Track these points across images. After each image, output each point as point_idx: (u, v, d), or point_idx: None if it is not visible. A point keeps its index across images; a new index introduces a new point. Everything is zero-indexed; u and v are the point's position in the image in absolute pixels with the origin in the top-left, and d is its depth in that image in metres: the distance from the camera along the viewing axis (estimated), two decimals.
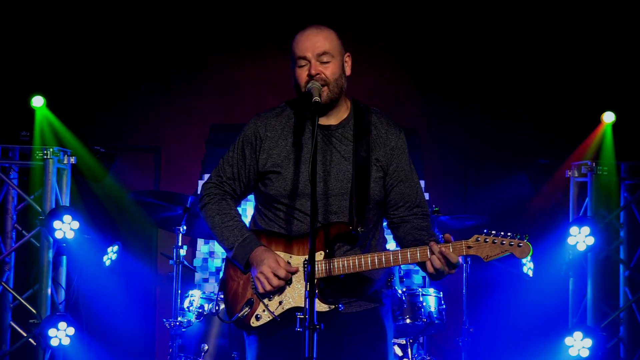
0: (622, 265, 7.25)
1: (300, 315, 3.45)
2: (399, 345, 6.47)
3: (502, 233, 3.70)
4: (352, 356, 3.85)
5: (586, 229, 6.97)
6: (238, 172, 3.94)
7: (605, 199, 7.18)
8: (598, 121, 7.22)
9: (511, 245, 3.69)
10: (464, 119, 7.92)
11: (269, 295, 3.79)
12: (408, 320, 6.25)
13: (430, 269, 3.69)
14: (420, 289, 6.38)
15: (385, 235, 4.08)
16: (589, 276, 7.16)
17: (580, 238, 6.99)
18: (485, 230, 3.72)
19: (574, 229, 7.01)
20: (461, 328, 6.58)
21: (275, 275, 3.73)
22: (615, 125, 7.18)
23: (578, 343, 6.94)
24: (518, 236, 3.69)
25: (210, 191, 3.97)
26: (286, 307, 3.78)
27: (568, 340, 6.97)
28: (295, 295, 3.77)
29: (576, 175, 7.26)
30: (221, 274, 4.01)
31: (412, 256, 3.71)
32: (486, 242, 3.70)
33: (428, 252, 3.70)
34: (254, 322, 3.80)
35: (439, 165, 7.99)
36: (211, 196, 3.96)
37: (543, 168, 7.64)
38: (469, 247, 3.70)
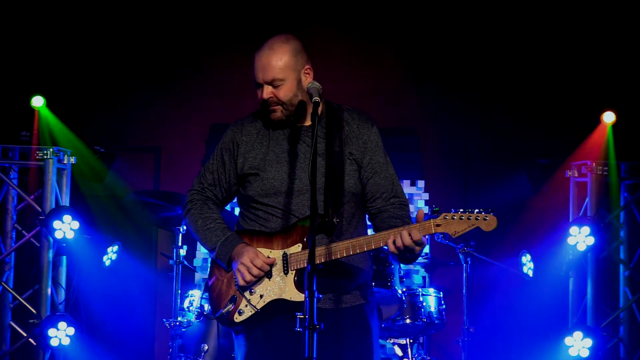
0: (622, 265, 7.25)
1: (300, 315, 3.48)
2: (399, 345, 6.47)
3: (469, 209, 3.82)
4: (335, 355, 3.91)
5: (586, 229, 6.96)
6: (218, 178, 4.08)
7: (605, 199, 7.18)
8: (598, 121, 7.21)
9: (477, 219, 3.81)
10: (463, 119, 7.92)
11: (251, 289, 3.89)
12: (408, 320, 6.24)
13: (391, 247, 3.77)
14: (420, 289, 6.38)
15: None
16: (589, 276, 7.15)
17: (580, 238, 6.99)
18: (452, 209, 3.83)
19: (574, 229, 7.01)
20: (461, 328, 6.58)
21: (254, 264, 3.84)
22: (615, 125, 7.18)
23: (578, 343, 6.94)
24: (483, 211, 3.82)
25: (193, 197, 4.11)
26: (267, 300, 3.88)
27: (568, 340, 6.97)
28: (275, 288, 3.88)
29: (576, 175, 7.25)
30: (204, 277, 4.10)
31: (384, 239, 3.80)
32: (453, 219, 3.81)
33: (397, 233, 3.80)
34: (237, 318, 3.90)
35: (439, 165, 7.99)
36: (194, 202, 4.10)
37: (543, 168, 7.64)
38: (438, 225, 3.82)
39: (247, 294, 3.90)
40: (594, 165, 7.11)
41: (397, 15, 7.93)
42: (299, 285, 3.84)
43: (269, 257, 3.89)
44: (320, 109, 3.95)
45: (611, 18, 7.55)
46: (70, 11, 7.64)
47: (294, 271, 3.86)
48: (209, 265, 4.10)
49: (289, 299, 3.84)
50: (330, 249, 3.84)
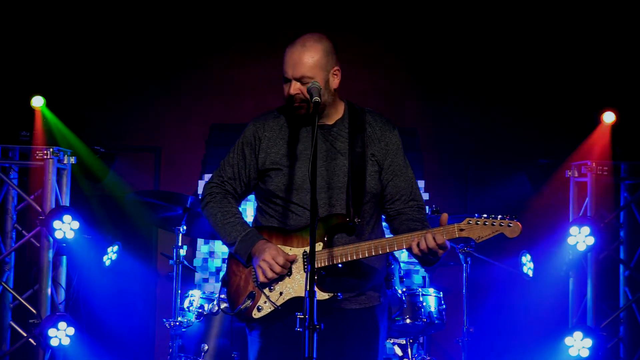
0: (622, 265, 7.25)
1: (300, 315, 3.50)
2: (399, 345, 6.47)
3: (493, 215, 3.87)
4: (344, 354, 3.94)
5: (586, 229, 6.96)
6: (238, 172, 4.10)
7: (605, 199, 7.18)
8: (598, 121, 7.21)
9: (501, 225, 3.86)
10: (463, 119, 7.92)
11: (270, 286, 3.93)
12: (408, 320, 6.24)
13: (415, 249, 3.81)
14: (420, 289, 6.38)
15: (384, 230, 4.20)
16: (589, 276, 7.15)
17: (580, 238, 6.99)
18: (476, 215, 3.86)
19: (574, 229, 7.01)
20: (461, 328, 6.57)
21: (277, 262, 3.87)
22: (615, 125, 7.18)
23: (578, 343, 6.94)
24: (507, 217, 3.86)
25: (212, 190, 4.13)
26: (287, 298, 3.92)
27: (568, 340, 6.97)
28: (295, 286, 3.92)
29: (576, 175, 7.25)
30: (222, 272, 4.11)
31: (407, 241, 3.85)
32: (477, 224, 3.85)
33: (416, 236, 3.83)
34: (255, 314, 3.93)
35: (439, 165, 7.99)
36: (213, 195, 4.12)
37: (543, 168, 7.64)
38: (461, 230, 3.85)
39: (266, 290, 3.93)
40: (594, 165, 7.11)
41: (397, 15, 7.93)
42: (320, 283, 3.86)
43: (288, 253, 3.94)
44: (343, 109, 4.06)
45: (611, 18, 7.55)
46: (70, 11, 7.64)
47: (305, 276, 3.84)
48: (225, 261, 4.14)
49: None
50: (353, 249, 3.88)
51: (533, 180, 7.76)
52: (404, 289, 6.28)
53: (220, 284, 4.16)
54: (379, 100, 7.77)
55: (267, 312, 3.92)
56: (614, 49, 7.56)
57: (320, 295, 3.81)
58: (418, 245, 3.80)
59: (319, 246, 3.89)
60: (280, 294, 3.92)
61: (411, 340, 6.44)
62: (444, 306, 6.40)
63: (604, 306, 7.16)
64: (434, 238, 3.79)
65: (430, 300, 6.33)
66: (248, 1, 7.93)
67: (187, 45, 7.92)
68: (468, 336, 6.53)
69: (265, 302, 3.92)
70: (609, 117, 7.17)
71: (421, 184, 7.90)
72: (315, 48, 3.98)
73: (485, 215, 3.86)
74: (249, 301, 3.94)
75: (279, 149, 4.03)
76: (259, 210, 4.14)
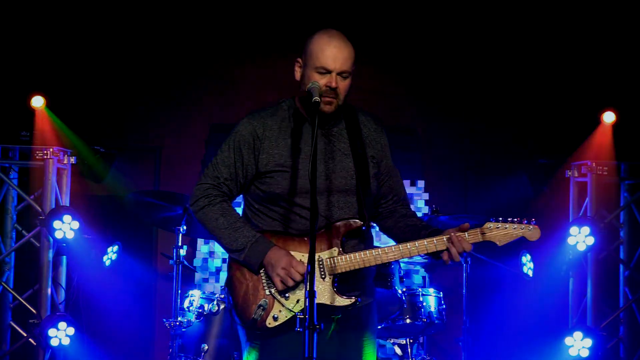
0: (622, 265, 7.25)
1: (300, 315, 3.47)
2: (399, 345, 6.47)
3: (510, 219, 3.92)
4: (349, 351, 3.93)
5: (586, 229, 6.96)
6: (235, 173, 3.94)
7: (605, 199, 7.18)
8: (598, 121, 7.21)
9: (522, 229, 3.92)
10: (463, 119, 7.92)
11: (285, 294, 3.82)
12: (408, 320, 6.24)
13: (446, 256, 3.86)
14: (420, 289, 6.38)
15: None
16: (589, 276, 7.16)
17: (580, 238, 6.99)
18: (492, 219, 3.92)
19: (574, 229, 7.01)
20: (461, 328, 6.58)
21: (297, 270, 3.78)
22: (615, 125, 7.18)
23: (578, 343, 6.94)
24: (526, 220, 3.93)
25: (208, 192, 3.94)
26: (304, 305, 3.79)
27: (568, 340, 6.97)
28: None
29: (576, 175, 7.26)
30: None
31: (430, 245, 3.86)
32: (498, 228, 3.90)
33: (445, 240, 3.85)
34: (270, 323, 3.82)
35: (439, 165, 7.99)
36: (210, 197, 3.93)
37: (543, 168, 7.64)
38: (483, 234, 3.90)
39: (281, 299, 3.81)
40: (594, 165, 7.11)
41: (397, 15, 7.93)
42: (340, 289, 3.81)
43: (301, 260, 3.82)
44: (326, 109, 3.91)
45: (611, 18, 7.55)
46: (70, 11, 7.63)
47: (332, 276, 3.81)
48: (228, 267, 3.94)
49: (329, 303, 3.79)
50: (377, 254, 3.84)
51: (533, 180, 7.75)
52: (404, 289, 6.27)
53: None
54: (379, 100, 7.77)
55: (283, 321, 3.81)
56: (614, 49, 7.56)
57: (342, 301, 3.79)
58: (450, 255, 3.85)
59: (334, 252, 3.83)
60: (297, 301, 3.81)
61: (411, 340, 6.44)
62: (444, 306, 6.40)
63: (604, 306, 7.17)
64: (461, 243, 3.85)
65: (430, 300, 6.33)
66: (247, 2, 7.93)
67: (187, 45, 7.92)
68: (468, 336, 6.53)
69: (280, 311, 3.81)
70: (609, 117, 7.17)
71: (421, 184, 7.90)
72: (351, 47, 3.92)
73: (501, 219, 3.92)
74: (261, 310, 3.80)
75: (281, 150, 3.89)
76: (251, 212, 3.98)
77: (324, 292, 3.80)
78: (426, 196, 7.88)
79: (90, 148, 7.48)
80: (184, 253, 6.55)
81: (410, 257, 4.00)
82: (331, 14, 7.71)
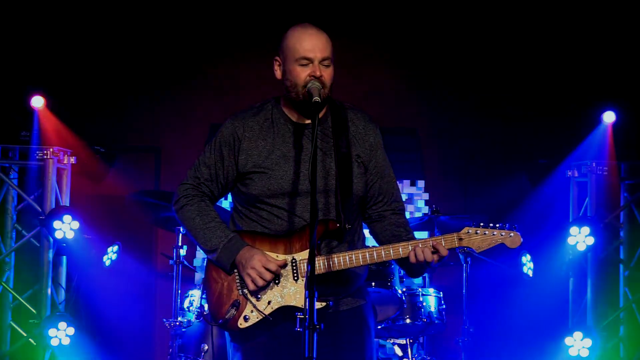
0: (622, 265, 7.25)
1: (300, 315, 3.44)
2: (399, 345, 6.47)
3: (492, 224, 3.77)
4: (336, 356, 3.83)
5: (586, 229, 6.97)
6: (216, 173, 3.91)
7: (605, 199, 7.18)
8: (598, 121, 7.21)
9: (502, 235, 3.76)
10: (463, 119, 7.92)
11: (257, 295, 3.77)
12: (408, 320, 6.24)
13: (412, 259, 3.70)
14: (420, 289, 6.37)
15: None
16: (589, 276, 7.16)
17: (580, 238, 7.00)
18: (473, 223, 3.77)
19: (574, 229, 7.01)
20: (461, 328, 6.58)
21: (267, 269, 3.71)
22: (615, 125, 7.18)
23: (578, 343, 6.94)
24: (507, 226, 3.76)
25: (188, 192, 3.93)
26: (275, 307, 3.76)
27: (568, 340, 6.97)
28: (284, 294, 3.76)
29: (576, 175, 7.26)
30: (202, 277, 3.97)
31: (404, 250, 3.73)
32: (477, 233, 3.76)
33: (409, 247, 3.73)
34: (242, 324, 3.78)
35: (439, 165, 7.99)
36: (189, 197, 3.92)
37: (543, 168, 7.64)
38: (461, 239, 3.76)
39: (253, 299, 3.76)
40: (594, 165, 7.12)
41: (397, 15, 7.93)
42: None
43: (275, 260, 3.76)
44: (325, 106, 3.87)
45: (611, 17, 7.55)
46: (71, 11, 7.63)
47: (305, 278, 3.70)
48: (205, 266, 3.92)
49: (301, 306, 3.70)
50: (348, 256, 3.73)
51: (533, 180, 7.76)
52: (404, 289, 6.27)
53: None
54: (379, 100, 7.77)
55: (254, 322, 3.75)
56: (614, 49, 7.56)
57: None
58: (416, 256, 3.69)
59: (308, 253, 3.68)
60: (269, 302, 3.75)
61: (411, 340, 6.44)
62: (444, 306, 6.40)
63: (604, 306, 7.16)
64: (434, 247, 3.70)
65: (430, 300, 6.33)
66: (247, 2, 7.93)
67: (186, 46, 7.92)
68: (468, 336, 6.53)
69: (252, 312, 3.75)
70: (609, 117, 7.18)
71: (421, 184, 7.90)
72: (325, 33, 3.89)
73: (482, 224, 3.77)
74: (233, 310, 3.76)
75: (261, 151, 3.84)
76: (237, 213, 3.93)
77: (295, 294, 3.74)
78: (426, 196, 7.88)
79: (90, 148, 7.48)
80: (184, 253, 6.55)
81: (383, 262, 3.84)
82: (330, 15, 7.71)
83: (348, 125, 3.90)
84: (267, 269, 3.71)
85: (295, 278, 3.77)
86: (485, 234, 3.75)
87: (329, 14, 7.71)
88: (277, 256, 3.77)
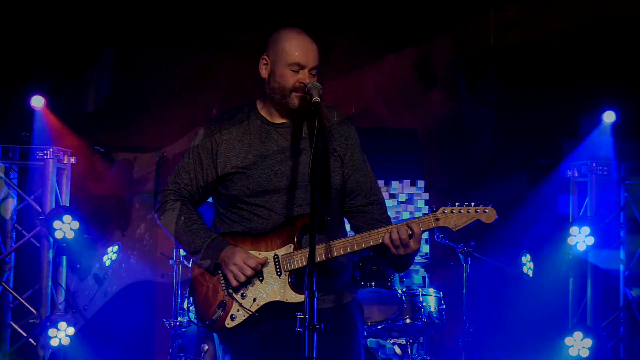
0: (622, 265, 7.25)
1: (300, 315, 3.45)
2: (399, 345, 6.47)
3: (466, 203, 3.86)
4: (325, 353, 3.75)
5: (586, 229, 6.97)
6: (195, 177, 3.98)
7: (605, 199, 7.18)
8: (598, 121, 7.22)
9: (477, 212, 3.85)
10: (463, 119, 7.92)
11: (242, 293, 3.81)
12: (408, 320, 6.24)
13: (387, 241, 3.73)
14: (420, 289, 6.38)
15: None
16: (588, 276, 7.16)
17: (580, 238, 7.00)
18: (448, 203, 3.84)
19: (574, 229, 7.01)
20: (461, 328, 6.58)
21: (247, 265, 3.75)
22: (615, 125, 7.18)
23: (578, 343, 6.94)
24: (482, 203, 3.86)
25: (169, 197, 3.99)
26: (261, 304, 3.79)
27: (568, 340, 6.97)
28: (268, 290, 3.80)
29: (576, 175, 7.26)
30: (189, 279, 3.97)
31: (381, 234, 3.77)
32: (452, 212, 3.84)
33: (385, 230, 3.77)
34: (229, 323, 3.81)
35: (439, 165, 7.99)
36: (170, 202, 3.97)
37: (543, 168, 7.64)
38: (437, 220, 3.82)
39: (238, 297, 3.80)
40: (594, 165, 7.12)
41: (397, 15, 7.93)
42: (295, 286, 3.78)
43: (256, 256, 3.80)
44: (298, 104, 3.89)
45: (611, 17, 7.55)
46: (70, 11, 7.63)
47: (288, 272, 3.79)
48: (190, 269, 3.94)
49: (286, 300, 3.77)
50: (328, 247, 3.78)
51: (533, 180, 7.76)
52: (404, 289, 6.28)
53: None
54: (379, 101, 7.77)
55: (241, 320, 3.79)
56: (614, 49, 7.56)
57: (297, 297, 3.74)
58: (391, 238, 3.72)
59: (289, 248, 3.79)
60: (254, 300, 3.78)
61: (411, 340, 6.44)
62: (444, 306, 6.40)
63: (604, 306, 7.17)
64: (410, 228, 3.73)
65: (430, 300, 6.33)
66: (247, 2, 7.93)
67: (187, 45, 7.93)
68: (468, 336, 6.53)
69: (238, 310, 3.79)
70: (609, 117, 7.18)
71: (421, 184, 7.90)
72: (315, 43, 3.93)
73: (457, 203, 3.85)
74: (220, 311, 3.79)
75: (239, 152, 3.90)
76: (218, 217, 3.99)
77: (278, 289, 3.78)
78: (426, 196, 7.88)
79: (90, 148, 7.48)
80: (184, 253, 6.55)
81: (361, 250, 3.88)
82: (329, 15, 7.72)
83: (324, 122, 3.95)
84: (247, 265, 3.75)
85: (279, 273, 3.81)
86: (460, 212, 3.84)
87: (329, 14, 7.72)
88: (259, 254, 3.81)
